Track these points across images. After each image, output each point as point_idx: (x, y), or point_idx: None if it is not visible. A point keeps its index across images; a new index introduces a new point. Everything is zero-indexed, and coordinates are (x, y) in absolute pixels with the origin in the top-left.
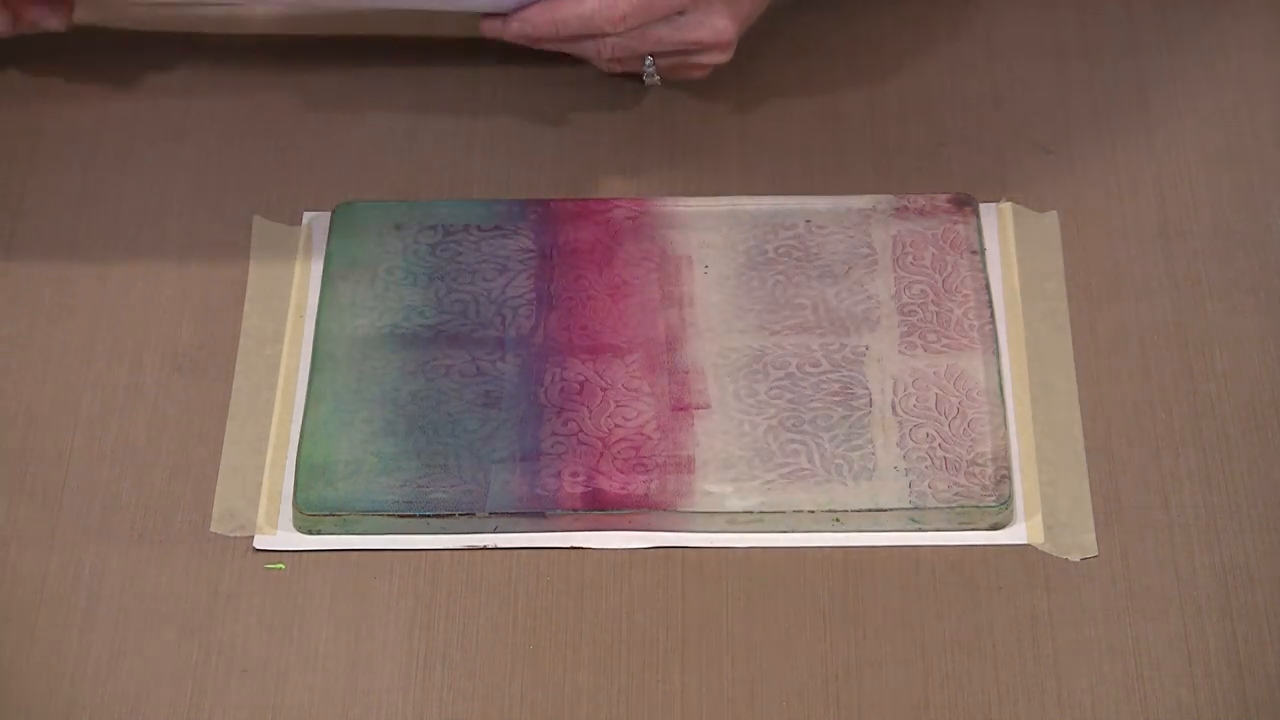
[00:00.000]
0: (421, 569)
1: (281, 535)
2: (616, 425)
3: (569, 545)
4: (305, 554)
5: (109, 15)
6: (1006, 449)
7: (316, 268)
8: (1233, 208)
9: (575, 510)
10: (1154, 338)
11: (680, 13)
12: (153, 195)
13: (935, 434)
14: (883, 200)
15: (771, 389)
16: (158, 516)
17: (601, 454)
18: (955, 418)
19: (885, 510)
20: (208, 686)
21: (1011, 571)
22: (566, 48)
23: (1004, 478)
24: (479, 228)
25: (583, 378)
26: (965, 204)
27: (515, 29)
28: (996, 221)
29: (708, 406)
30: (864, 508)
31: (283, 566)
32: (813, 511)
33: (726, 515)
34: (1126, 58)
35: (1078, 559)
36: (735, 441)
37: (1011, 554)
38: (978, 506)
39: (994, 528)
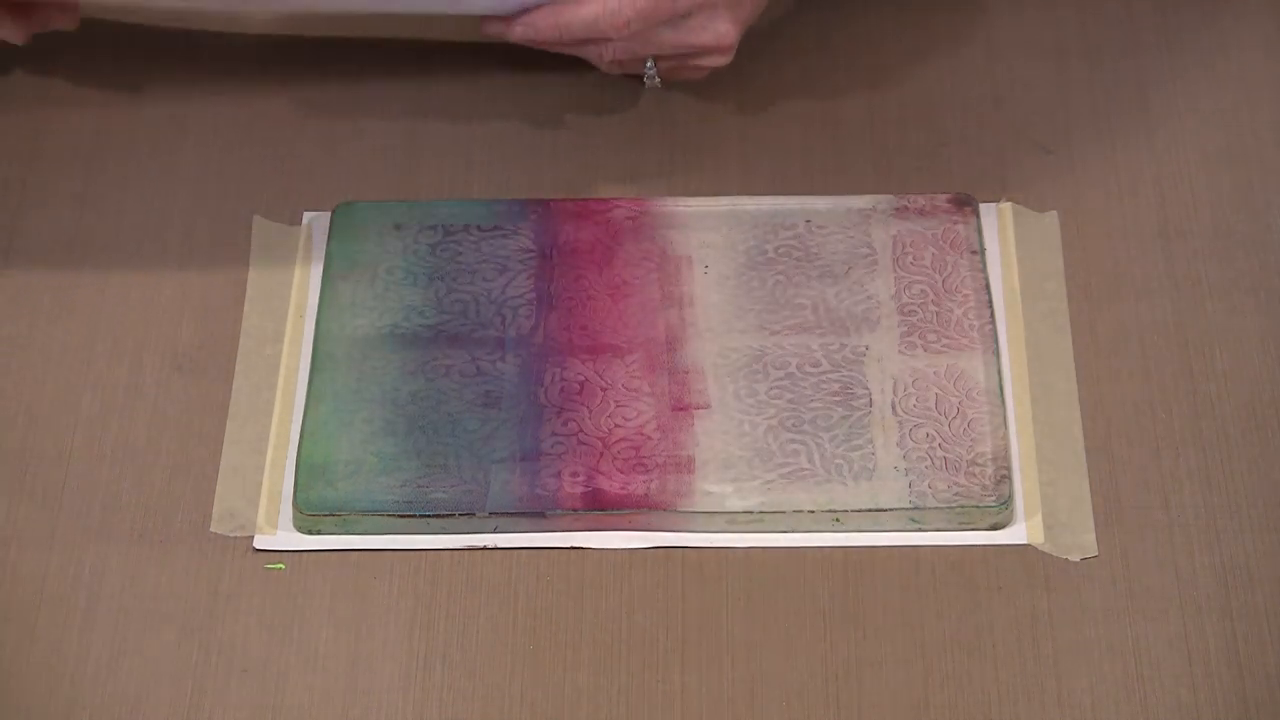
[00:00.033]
0: (421, 569)
1: (281, 535)
2: (616, 425)
3: (569, 545)
4: (305, 554)
5: (111, 11)
6: (1006, 449)
7: (316, 268)
8: (1233, 208)
9: (575, 510)
10: (1154, 338)
11: (684, 16)
12: (153, 196)
13: (935, 434)
14: (883, 200)
15: (771, 389)
16: (158, 516)
17: (601, 454)
18: (955, 418)
19: (885, 510)
20: (208, 686)
21: (1011, 571)
22: (569, 50)
23: (1004, 478)
24: (479, 228)
25: (583, 378)
26: (965, 204)
27: (519, 32)
28: (996, 221)
29: (708, 406)
30: (864, 508)
31: (283, 566)
32: (813, 511)
33: (726, 515)
34: (1126, 58)
35: (1078, 559)
36: (735, 441)
37: (1011, 554)
38: (978, 506)
39: (994, 528)
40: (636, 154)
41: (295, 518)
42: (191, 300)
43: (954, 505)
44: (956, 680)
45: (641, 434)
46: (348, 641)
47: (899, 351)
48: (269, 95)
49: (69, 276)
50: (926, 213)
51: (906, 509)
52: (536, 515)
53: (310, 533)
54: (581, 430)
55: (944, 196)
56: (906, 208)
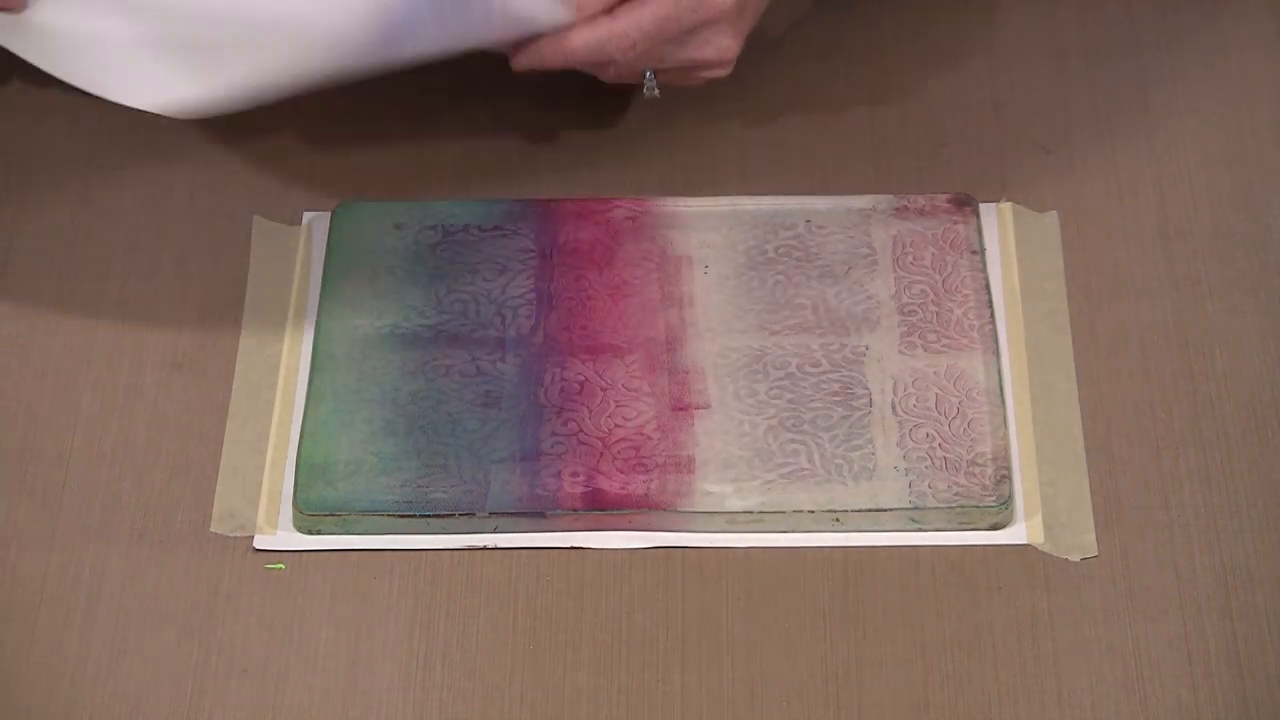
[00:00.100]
0: (421, 569)
1: (281, 535)
2: (616, 425)
3: (569, 545)
4: (305, 554)
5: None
6: (1006, 449)
7: (316, 268)
8: (1233, 208)
9: (575, 510)
10: (1154, 338)
11: (687, 33)
12: (153, 195)
13: (935, 434)
14: (883, 200)
15: (771, 389)
16: (158, 516)
17: (601, 454)
18: (955, 418)
19: (885, 510)
20: (208, 686)
21: (1011, 571)
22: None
23: (1004, 478)
24: (479, 228)
25: (583, 378)
26: (965, 204)
27: (523, 61)
28: (996, 221)
29: (708, 406)
30: (864, 508)
31: (283, 566)
32: (813, 511)
33: (726, 515)
34: (1126, 58)
35: (1078, 559)
36: (735, 441)
37: (1011, 554)
38: (978, 506)
39: (994, 528)
40: (636, 154)
41: (295, 518)
42: (191, 300)
43: (954, 505)
44: (956, 680)
45: (641, 434)
46: (348, 641)
47: (899, 351)
48: None
49: (69, 277)
50: (926, 213)
51: (906, 509)
52: (536, 515)
53: (310, 533)
54: (581, 430)
55: (944, 196)
56: (906, 208)
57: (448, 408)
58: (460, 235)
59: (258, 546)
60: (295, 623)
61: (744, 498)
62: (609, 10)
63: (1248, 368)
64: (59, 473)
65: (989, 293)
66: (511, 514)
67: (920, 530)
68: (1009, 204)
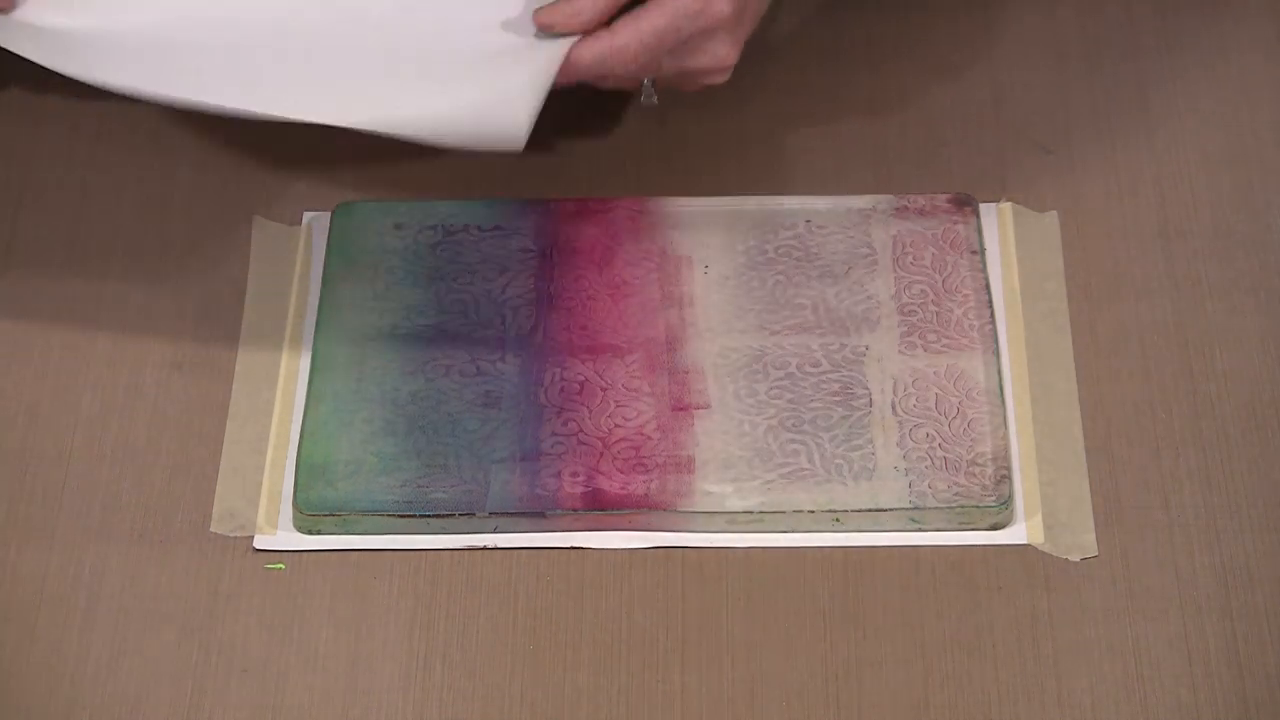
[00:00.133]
0: (421, 569)
1: (281, 535)
2: (616, 425)
3: (569, 545)
4: (305, 554)
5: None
6: (1006, 449)
7: (316, 268)
8: (1233, 208)
9: (575, 510)
10: (1154, 338)
11: (684, 42)
12: (153, 195)
13: (935, 434)
14: (883, 200)
15: (771, 389)
16: (158, 516)
17: (601, 454)
18: (955, 418)
19: (885, 510)
20: (208, 686)
21: (1011, 571)
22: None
23: (1004, 478)
24: (479, 228)
25: (583, 378)
26: (965, 204)
27: None
28: (996, 221)
29: (708, 406)
30: (864, 508)
31: (283, 566)
32: (813, 511)
33: (726, 515)
34: (1126, 58)
35: (1078, 559)
36: (735, 441)
37: (1011, 554)
38: (978, 506)
39: (994, 528)
40: (636, 154)
41: (295, 518)
42: (191, 300)
43: (954, 505)
44: (956, 680)
45: (641, 434)
46: (348, 641)
47: (899, 351)
48: None
49: (69, 276)
50: (926, 213)
51: (906, 509)
52: (536, 515)
53: (310, 533)
54: (581, 430)
55: (944, 196)
56: (906, 208)
57: (448, 408)
58: (460, 235)
59: (258, 546)
60: (295, 623)
61: (744, 498)
62: (606, 22)
63: (1248, 368)
64: (59, 473)
65: (989, 293)
66: (511, 514)
67: (920, 530)
68: (1009, 204)
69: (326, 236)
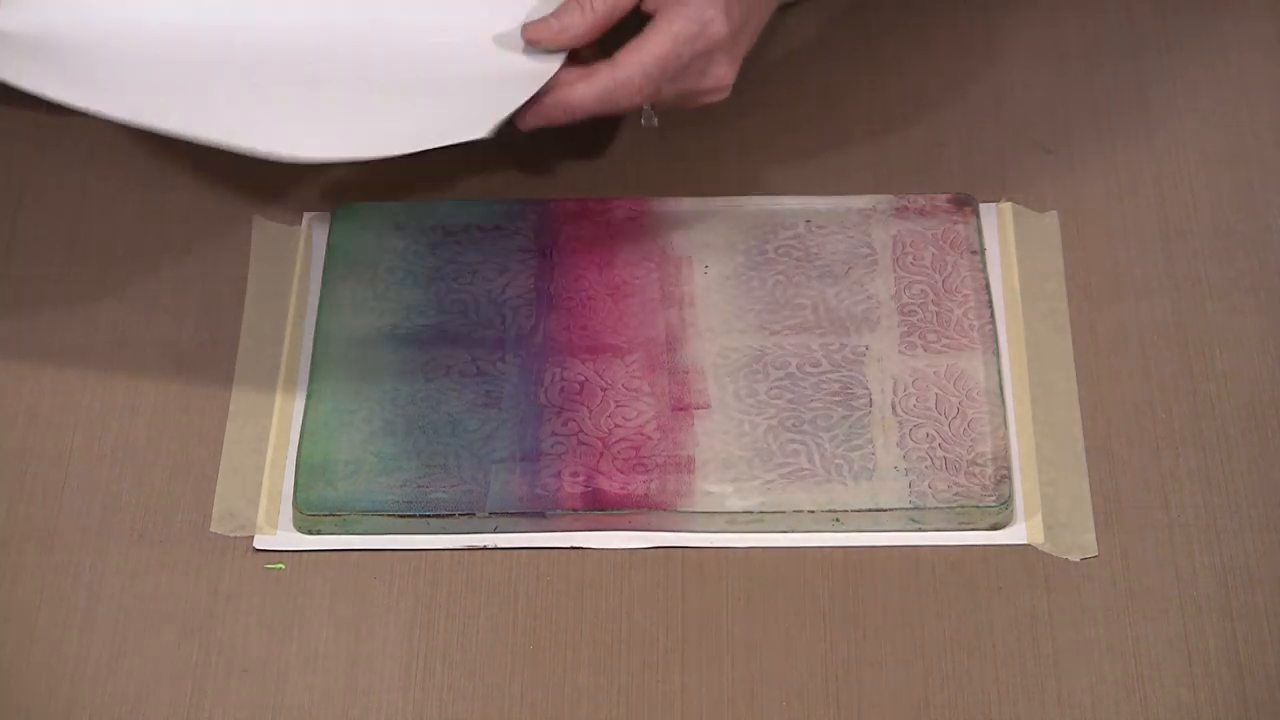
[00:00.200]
0: (421, 569)
1: (281, 535)
2: (616, 425)
3: (569, 545)
4: (305, 554)
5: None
6: (1006, 449)
7: (316, 268)
8: (1233, 208)
9: (575, 510)
10: (1154, 338)
11: (684, 66)
12: (153, 195)
13: (935, 434)
14: (883, 200)
15: (771, 389)
16: (158, 516)
17: (601, 454)
18: (955, 418)
19: (885, 510)
20: (208, 686)
21: (1011, 571)
22: None
23: (1004, 478)
24: (479, 228)
25: (583, 378)
26: (965, 204)
27: (531, 122)
28: (996, 221)
29: (708, 406)
30: (864, 508)
31: (283, 566)
32: (813, 511)
33: (726, 515)
34: (1126, 58)
35: (1078, 559)
36: (735, 441)
37: (1011, 554)
38: (978, 506)
39: (994, 528)
40: (636, 154)
41: (295, 518)
42: (191, 300)
43: (954, 505)
44: (956, 680)
45: (641, 434)
46: (348, 641)
47: (899, 351)
48: None
49: (69, 276)
50: (926, 213)
51: (906, 509)
52: (536, 515)
53: (310, 533)
54: (581, 430)
55: (944, 196)
56: (906, 208)
57: (448, 408)
58: (460, 235)
59: (258, 546)
60: (295, 623)
61: (744, 498)
62: (597, 40)
63: (1248, 368)
64: (59, 473)
65: (989, 293)
66: (511, 514)
67: (920, 530)
68: (1009, 204)
69: (326, 236)
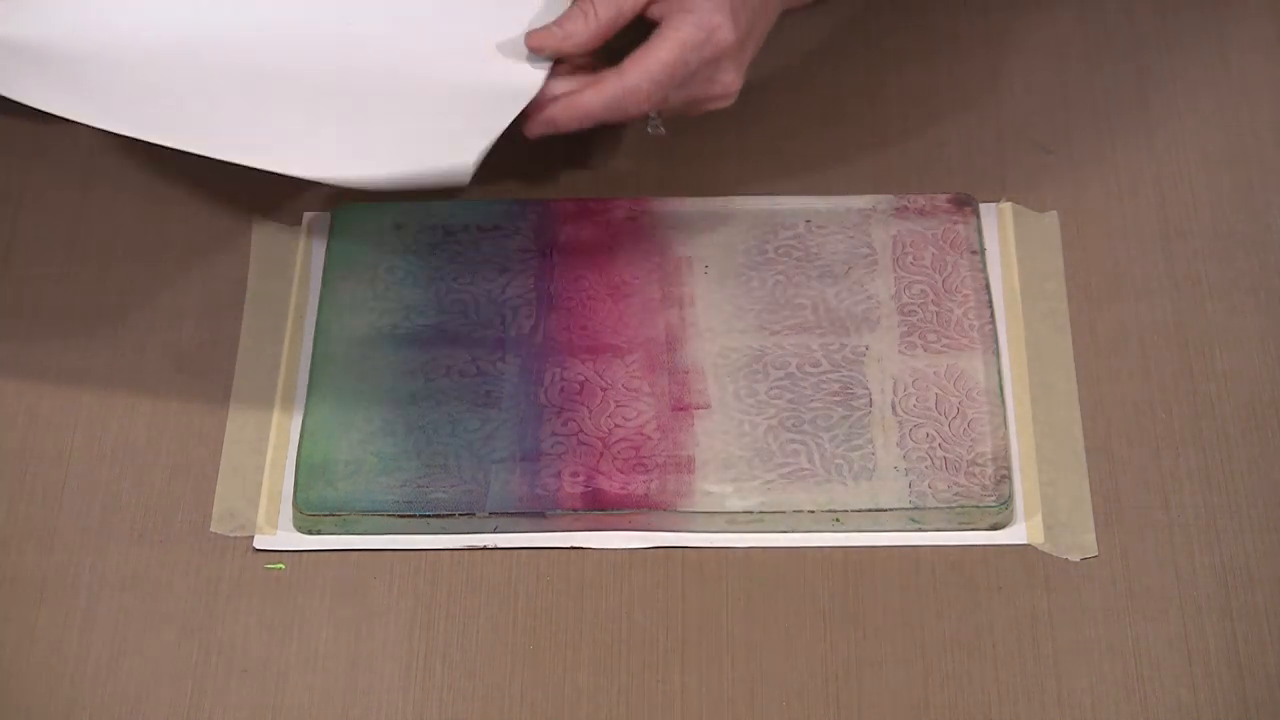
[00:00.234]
0: (421, 569)
1: (281, 535)
2: (616, 425)
3: (569, 545)
4: (305, 554)
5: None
6: (1006, 449)
7: (316, 268)
8: (1233, 208)
9: (575, 510)
10: (1154, 338)
11: (691, 73)
12: (153, 196)
13: (935, 434)
14: (883, 200)
15: (771, 389)
16: (158, 516)
17: (601, 454)
18: (955, 418)
19: (885, 510)
20: (208, 686)
21: (1011, 571)
22: None
23: (1004, 478)
24: (479, 228)
25: (583, 378)
26: (965, 204)
27: (537, 129)
28: (996, 221)
29: (708, 406)
30: (864, 508)
31: (283, 566)
32: (813, 511)
33: (726, 515)
34: (1126, 58)
35: (1078, 559)
36: (735, 441)
37: (1011, 554)
38: (978, 506)
39: (994, 528)
40: (636, 154)
41: (295, 518)
42: (191, 300)
43: (954, 505)
44: (956, 680)
45: (641, 434)
46: (348, 641)
47: (899, 351)
48: None
49: (69, 276)
50: (926, 213)
51: (906, 509)
52: (536, 515)
53: (310, 533)
54: (581, 430)
55: (944, 196)
56: (906, 208)
57: (448, 408)
58: (460, 235)
59: (258, 546)
60: (295, 623)
61: (744, 498)
62: (600, 49)
63: (1248, 368)
64: (59, 473)
65: (989, 293)
66: (511, 514)
67: (920, 530)
68: (1009, 204)
69: (326, 237)
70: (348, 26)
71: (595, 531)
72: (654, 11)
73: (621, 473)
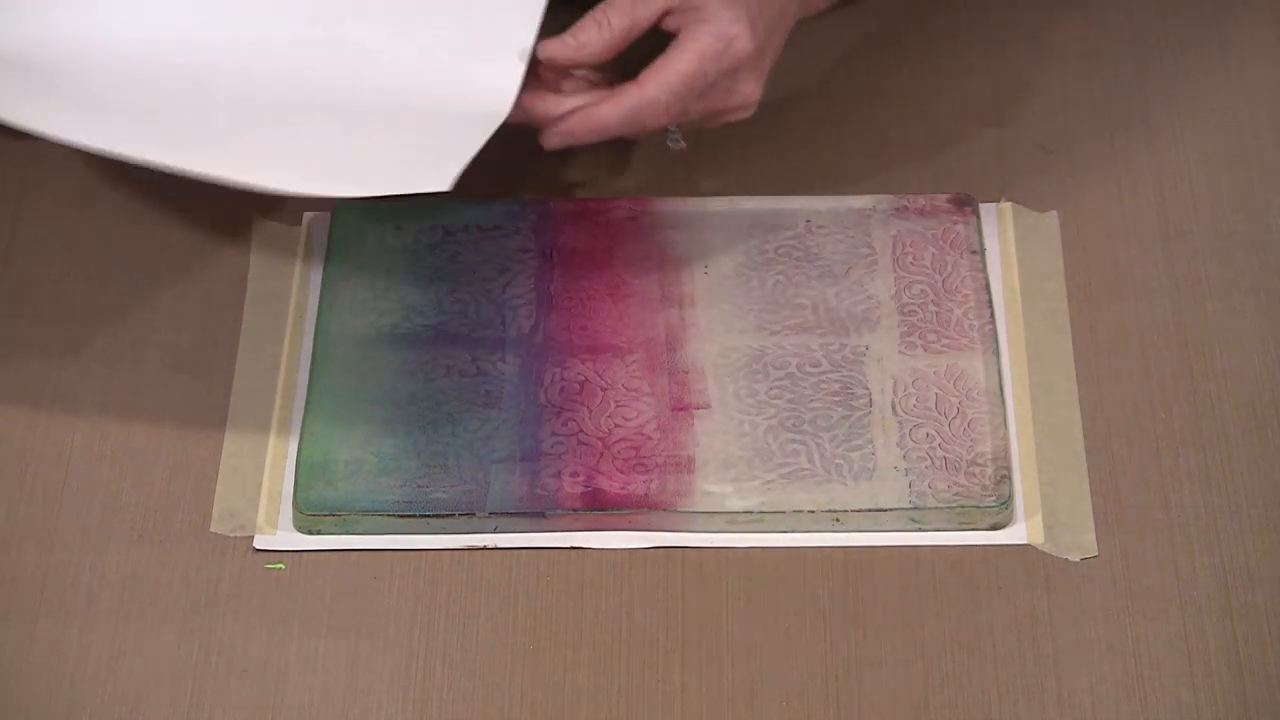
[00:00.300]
0: (421, 569)
1: (281, 535)
2: (616, 425)
3: (569, 545)
4: (305, 554)
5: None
6: (1006, 449)
7: (316, 268)
8: (1233, 208)
9: (575, 510)
10: (1154, 338)
11: (711, 84)
12: (153, 196)
13: (935, 434)
14: (883, 200)
15: (771, 389)
16: (158, 516)
17: (601, 454)
18: (955, 418)
19: (885, 510)
20: (208, 686)
21: (1011, 571)
22: None
23: (1004, 478)
24: (479, 228)
25: (583, 378)
26: (965, 204)
27: (556, 141)
28: (996, 221)
29: (708, 406)
30: (864, 508)
31: (283, 566)
32: (813, 511)
33: (726, 515)
34: (1127, 58)
35: (1078, 559)
36: (735, 441)
37: (1011, 554)
38: (978, 506)
39: (994, 528)
40: (636, 154)
41: (295, 518)
42: (191, 300)
43: (954, 505)
44: (956, 680)
45: (641, 434)
46: (348, 641)
47: (899, 351)
48: None
49: (69, 276)
50: (926, 213)
51: (906, 509)
52: (536, 515)
53: (310, 533)
54: (581, 430)
55: (944, 196)
56: (906, 208)
57: (448, 408)
58: (460, 235)
59: (258, 546)
60: (295, 623)
61: (744, 498)
62: (613, 60)
63: (1248, 368)
64: (59, 473)
65: (989, 293)
66: (511, 514)
67: (920, 530)
68: (1009, 204)
69: (326, 236)
70: (321, 39)
71: (595, 531)
72: (670, 23)
73: (621, 473)
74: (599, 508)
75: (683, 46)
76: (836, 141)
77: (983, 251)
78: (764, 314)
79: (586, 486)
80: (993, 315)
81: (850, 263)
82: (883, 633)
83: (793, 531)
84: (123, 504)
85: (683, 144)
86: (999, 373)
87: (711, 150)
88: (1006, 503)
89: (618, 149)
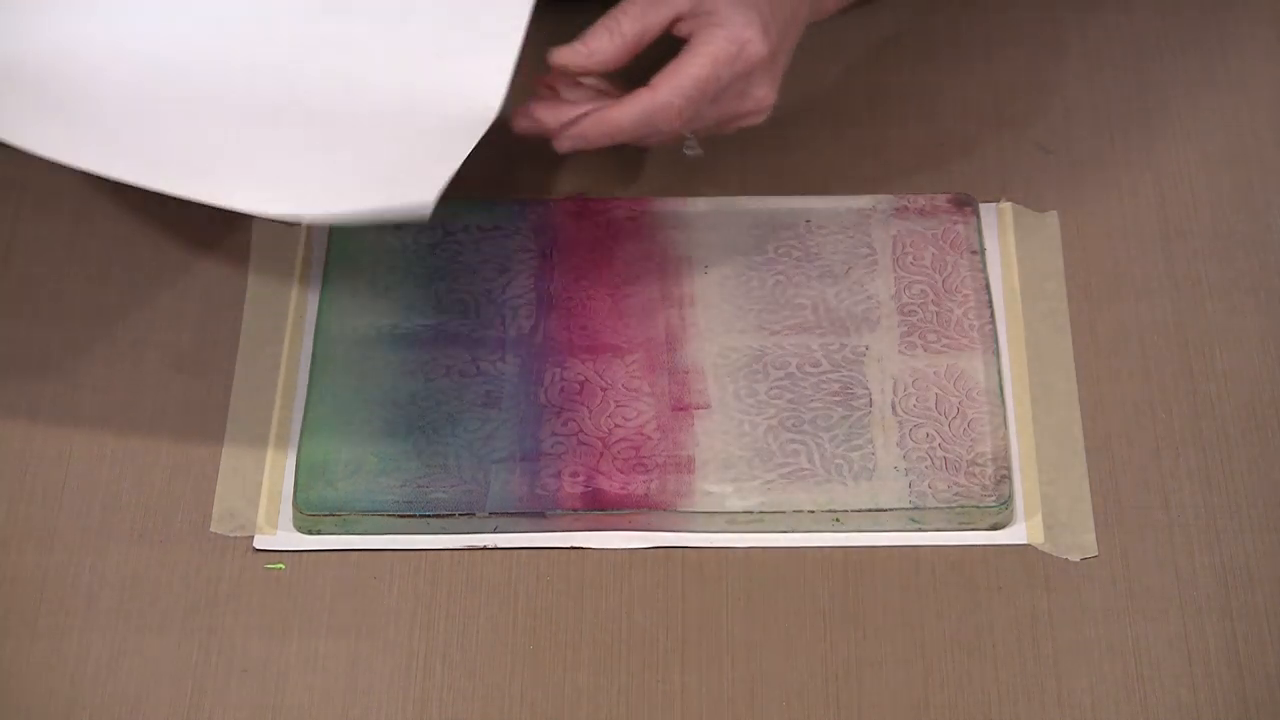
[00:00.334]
0: (421, 569)
1: (281, 535)
2: (616, 425)
3: (569, 545)
4: (305, 554)
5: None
6: (1006, 449)
7: (316, 268)
8: (1233, 208)
9: (575, 510)
10: (1154, 338)
11: (724, 89)
12: (153, 196)
13: (935, 434)
14: (883, 200)
15: (771, 389)
16: (158, 516)
17: (601, 454)
18: (955, 418)
19: (885, 510)
20: (208, 686)
21: (1011, 571)
22: None
23: (1004, 478)
24: (479, 228)
25: (583, 378)
26: (965, 204)
27: (568, 144)
28: (996, 221)
29: (708, 406)
30: (864, 508)
31: (283, 566)
32: (813, 511)
33: (726, 515)
34: (1127, 58)
35: (1078, 559)
36: (735, 441)
37: (1011, 554)
38: (978, 506)
39: (994, 528)
40: (636, 154)
41: (295, 518)
42: (191, 300)
43: (954, 505)
44: (956, 680)
45: (641, 434)
46: (348, 641)
47: (899, 351)
48: None
49: (69, 276)
50: (926, 213)
51: (906, 509)
52: (536, 515)
53: (310, 533)
54: (581, 430)
55: (944, 196)
56: (906, 208)
57: (448, 408)
58: (460, 235)
59: (258, 546)
60: (295, 623)
61: (744, 498)
62: (623, 68)
63: (1248, 368)
64: (59, 473)
65: (989, 293)
66: (511, 514)
67: (920, 530)
68: (1009, 204)
69: (326, 237)
70: (298, 52)
71: (595, 531)
72: (682, 28)
73: (621, 473)
74: (599, 508)
75: (695, 50)
76: (836, 141)
77: (983, 251)
78: (764, 314)
79: (586, 486)
80: (993, 315)
81: (850, 263)
82: (883, 633)
83: (793, 531)
84: (123, 504)
85: (699, 151)
86: (999, 373)
87: (711, 150)
88: (1006, 503)
89: (618, 148)
